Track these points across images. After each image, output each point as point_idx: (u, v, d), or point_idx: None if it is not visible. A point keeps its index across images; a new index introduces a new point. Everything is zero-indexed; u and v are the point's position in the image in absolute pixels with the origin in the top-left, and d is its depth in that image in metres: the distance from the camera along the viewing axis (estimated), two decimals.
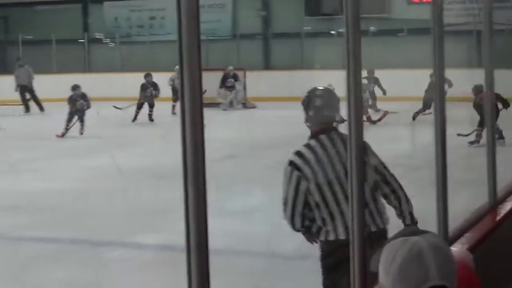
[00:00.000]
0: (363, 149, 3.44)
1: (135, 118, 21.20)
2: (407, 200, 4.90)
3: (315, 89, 4.99)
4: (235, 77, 25.66)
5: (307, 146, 4.85)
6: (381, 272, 2.29)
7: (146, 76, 22.06)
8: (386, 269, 2.25)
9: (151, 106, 21.48)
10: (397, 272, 2.21)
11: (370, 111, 19.52)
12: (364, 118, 16.10)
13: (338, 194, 4.72)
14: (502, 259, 5.12)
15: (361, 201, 3.32)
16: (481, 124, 13.92)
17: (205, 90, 2.71)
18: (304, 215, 4.81)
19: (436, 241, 2.28)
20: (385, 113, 19.21)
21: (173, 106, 22.39)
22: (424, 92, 18.16)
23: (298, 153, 4.82)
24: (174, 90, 22.51)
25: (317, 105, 4.87)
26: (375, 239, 4.01)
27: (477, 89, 15.75)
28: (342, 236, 4.63)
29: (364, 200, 3.43)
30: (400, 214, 4.89)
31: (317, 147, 4.81)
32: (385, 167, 4.89)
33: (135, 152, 15.27)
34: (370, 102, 20.39)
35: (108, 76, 28.39)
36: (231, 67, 25.91)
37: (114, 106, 21.99)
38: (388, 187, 4.84)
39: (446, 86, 4.82)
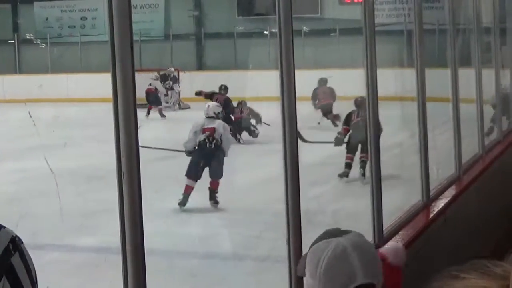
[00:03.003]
0: None
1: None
2: None
3: None
4: (174, 79, 25.50)
5: None
6: (307, 276, 2.29)
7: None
8: (312, 273, 2.25)
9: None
10: (323, 275, 2.21)
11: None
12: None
13: None
14: (435, 255, 5.20)
15: None
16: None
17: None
18: None
19: (358, 240, 2.30)
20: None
21: (149, 110, 22.07)
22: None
23: None
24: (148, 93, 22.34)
25: None
26: None
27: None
28: None
29: None
30: None
31: None
32: None
33: (68, 153, 15.08)
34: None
35: (39, 77, 27.97)
36: (172, 69, 25.75)
37: None
38: None
39: None
